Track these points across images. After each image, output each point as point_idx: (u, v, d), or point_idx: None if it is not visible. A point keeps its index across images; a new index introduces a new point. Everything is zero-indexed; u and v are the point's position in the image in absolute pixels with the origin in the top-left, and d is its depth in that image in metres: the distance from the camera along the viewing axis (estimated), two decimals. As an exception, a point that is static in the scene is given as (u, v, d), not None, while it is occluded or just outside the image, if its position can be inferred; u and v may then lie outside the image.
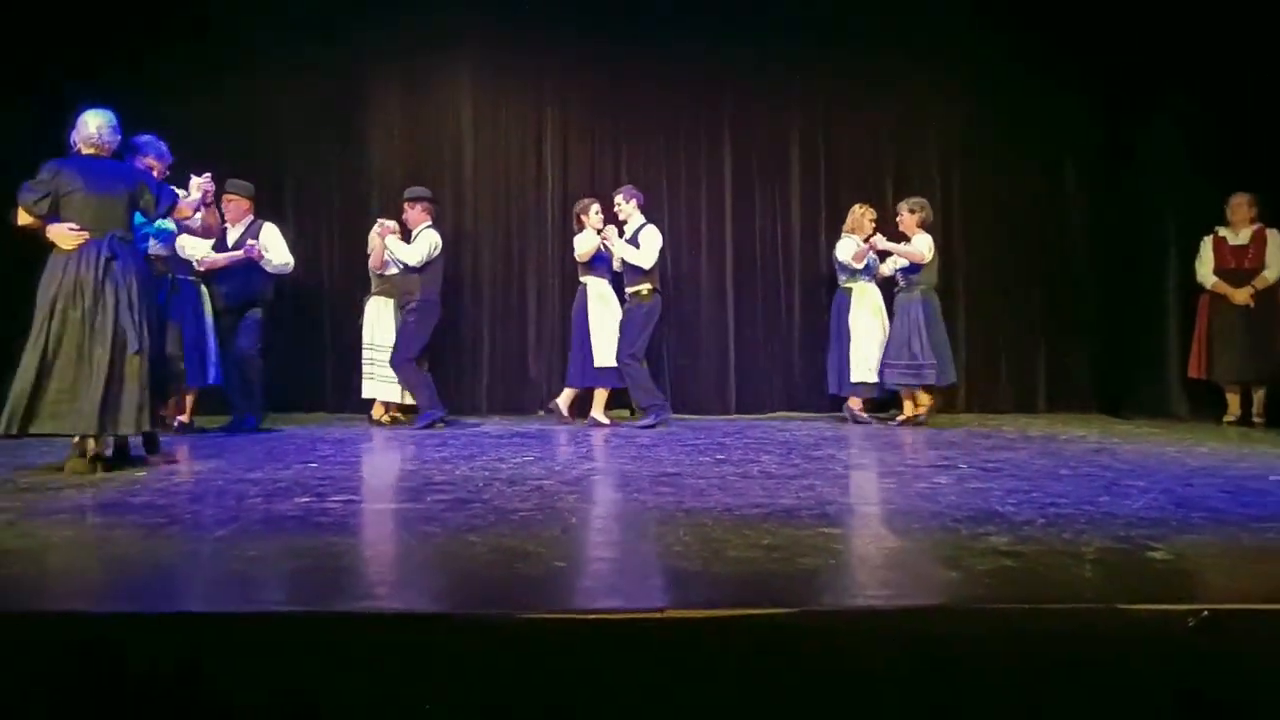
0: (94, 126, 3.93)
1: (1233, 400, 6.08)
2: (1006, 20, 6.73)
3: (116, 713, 1.80)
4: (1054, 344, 7.11)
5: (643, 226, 6.16)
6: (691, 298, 7.18)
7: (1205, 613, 1.83)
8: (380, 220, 6.10)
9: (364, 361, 6.27)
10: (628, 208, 6.20)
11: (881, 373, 6.10)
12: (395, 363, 6.01)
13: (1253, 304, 5.95)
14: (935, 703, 1.80)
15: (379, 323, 6.25)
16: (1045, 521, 2.83)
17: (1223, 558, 2.48)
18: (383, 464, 4.42)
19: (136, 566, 2.54)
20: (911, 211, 6.07)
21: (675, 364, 7.08)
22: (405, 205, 6.14)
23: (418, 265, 5.96)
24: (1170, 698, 1.81)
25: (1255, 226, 6.02)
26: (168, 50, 6.28)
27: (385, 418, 6.22)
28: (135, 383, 3.86)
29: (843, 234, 6.38)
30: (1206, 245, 6.15)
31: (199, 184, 4.40)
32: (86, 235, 3.82)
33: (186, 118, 5.76)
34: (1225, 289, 6.04)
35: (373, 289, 6.32)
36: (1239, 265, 6.04)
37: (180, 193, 4.40)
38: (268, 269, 5.70)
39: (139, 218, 4.19)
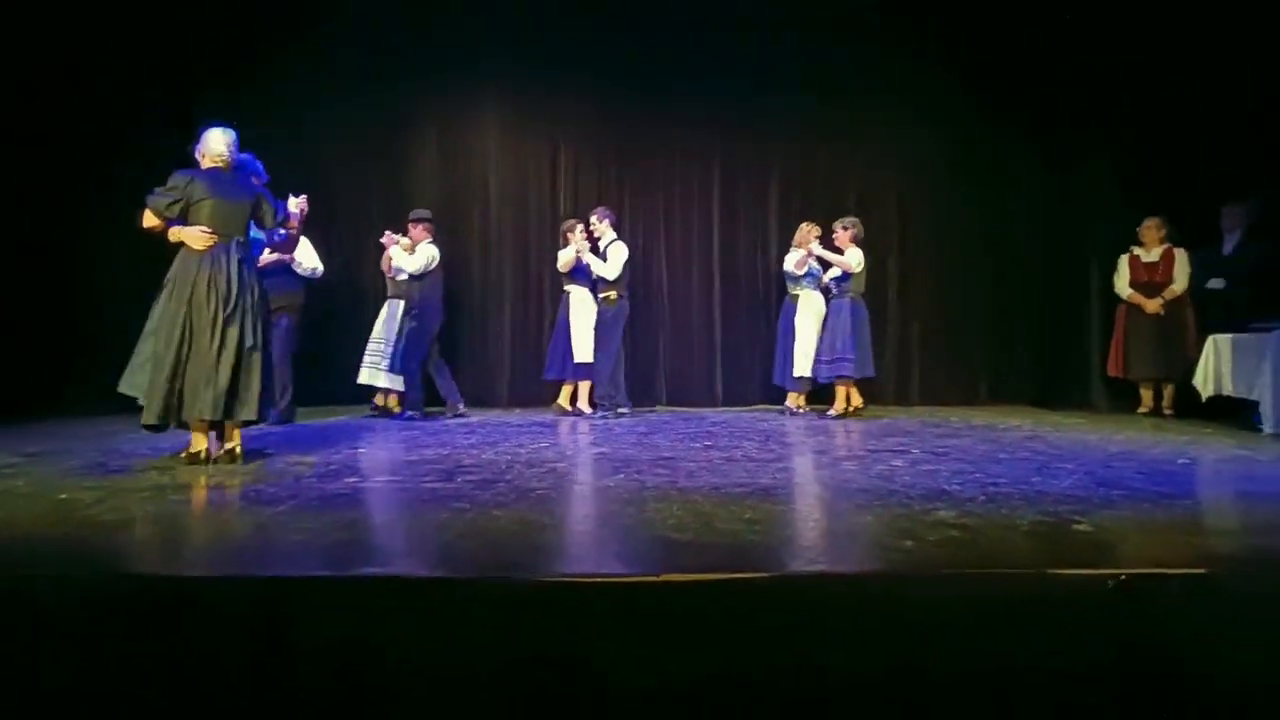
0: (222, 144, 3.85)
1: (1146, 395, 6.08)
2: (960, 66, 6.72)
3: (188, 664, 1.81)
4: (994, 345, 7.11)
5: (612, 242, 6.17)
6: (684, 304, 7.18)
7: (1123, 576, 1.84)
8: (386, 232, 6.11)
9: (367, 353, 6.21)
10: (601, 226, 6.22)
11: (816, 369, 6.11)
12: (404, 363, 6.00)
13: (1163, 313, 5.95)
14: (894, 654, 1.80)
15: (387, 320, 6.20)
16: (986, 499, 2.83)
17: (1138, 529, 2.48)
18: (418, 449, 4.41)
19: (210, 536, 2.54)
20: (845, 229, 6.11)
21: (668, 362, 7.11)
22: (409, 224, 6.14)
23: (417, 274, 5.97)
24: (1092, 648, 1.81)
25: (1164, 246, 6.03)
26: (248, 92, 6.23)
27: (387, 403, 6.17)
28: (256, 375, 3.73)
29: (791, 248, 6.36)
30: (1123, 262, 6.16)
31: (297, 203, 4.31)
32: (216, 238, 3.73)
33: (259, 146, 5.78)
34: (1139, 299, 6.05)
35: (388, 292, 6.30)
36: (1151, 279, 6.04)
37: None
38: (299, 272, 5.66)
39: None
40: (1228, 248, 5.86)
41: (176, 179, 3.75)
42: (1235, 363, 5.09)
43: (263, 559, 2.27)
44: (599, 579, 1.92)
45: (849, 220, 6.18)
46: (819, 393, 6.37)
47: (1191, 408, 5.55)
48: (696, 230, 7.19)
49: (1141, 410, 6.02)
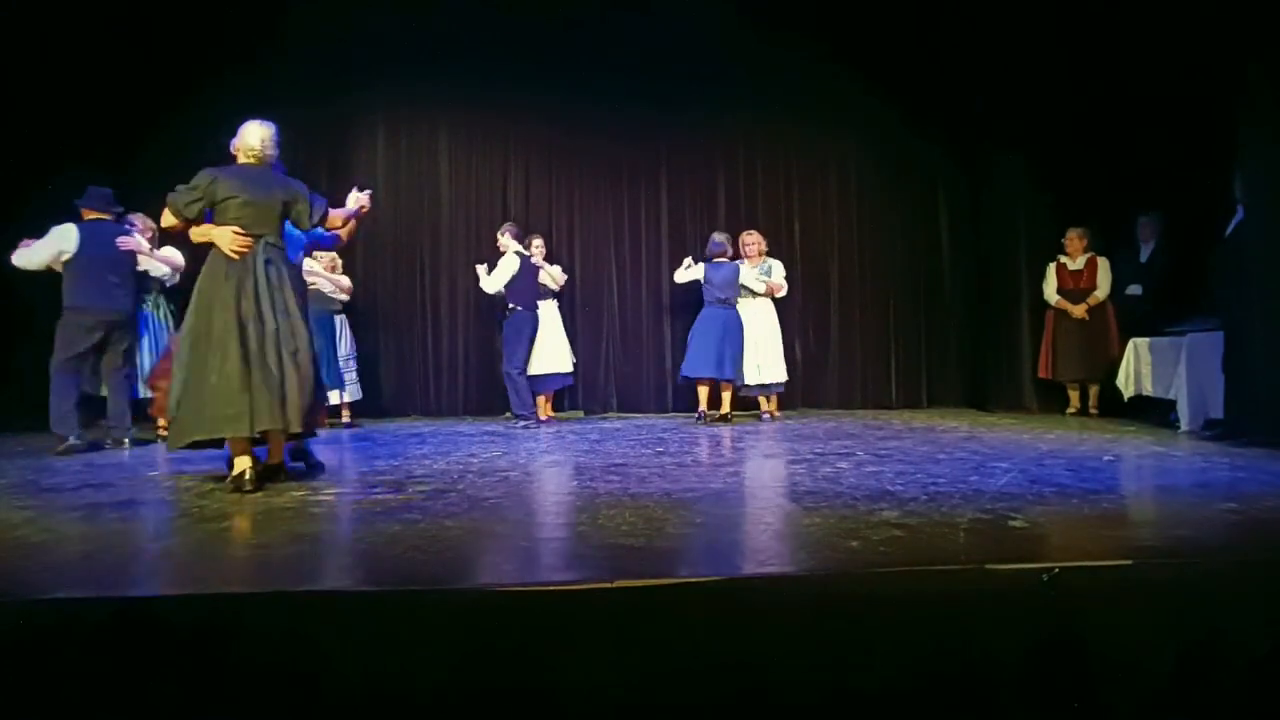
0: (256, 137, 3.47)
1: (1073, 396, 6.30)
2: (892, 85, 6.92)
3: (127, 687, 1.72)
4: (932, 350, 7.31)
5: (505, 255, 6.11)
6: (634, 313, 7.20)
7: (1055, 570, 1.88)
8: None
9: (345, 370, 6.06)
10: (503, 240, 6.06)
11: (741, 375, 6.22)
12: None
13: (1087, 318, 6.18)
14: (842, 650, 1.82)
15: (342, 335, 6.08)
16: (927, 498, 2.87)
17: (1067, 524, 2.54)
18: (370, 460, 4.30)
19: (149, 554, 2.43)
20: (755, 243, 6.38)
21: (619, 370, 7.12)
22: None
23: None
24: (1026, 637, 1.86)
25: (1088, 255, 6.27)
26: (193, 103, 5.99)
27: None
28: (298, 383, 3.31)
29: (750, 258, 6.43)
30: (1050, 270, 6.39)
31: (358, 199, 3.84)
32: (251, 240, 3.35)
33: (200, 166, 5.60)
34: (1066, 305, 6.27)
35: (333, 307, 6.01)
36: (1076, 286, 6.27)
37: None
38: (156, 275, 5.23)
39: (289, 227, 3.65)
40: (1144, 256, 6.13)
41: (200, 176, 3.36)
42: (1153, 364, 5.31)
43: (206, 575, 2.18)
44: (551, 587, 1.90)
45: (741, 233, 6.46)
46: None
47: (1115, 407, 5.77)
48: (645, 240, 7.22)
49: (1070, 410, 6.22)
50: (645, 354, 7.16)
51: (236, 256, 3.34)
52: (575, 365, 6.38)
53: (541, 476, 3.67)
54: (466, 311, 7.02)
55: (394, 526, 2.64)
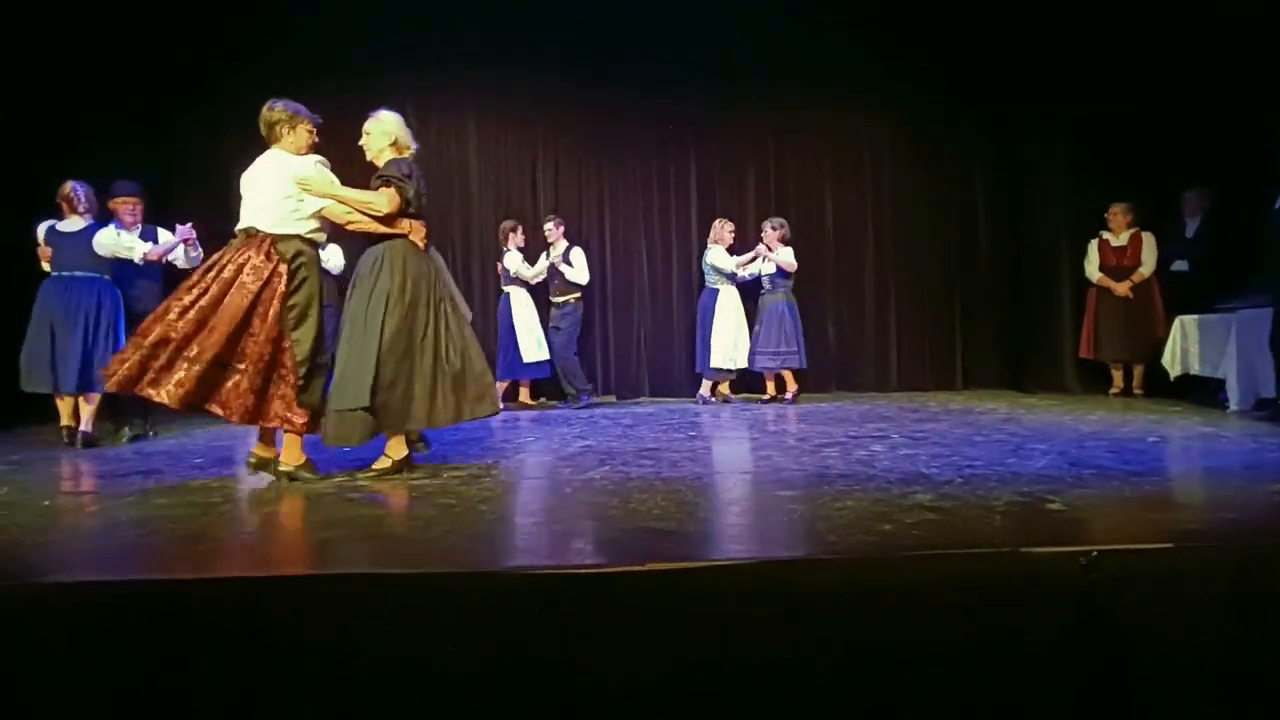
0: (407, 131, 3.53)
1: (1116, 376, 6.16)
2: (922, 62, 6.79)
3: (175, 665, 1.79)
4: (969, 331, 7.18)
5: (571, 248, 6.36)
6: (665, 299, 7.18)
7: (1094, 553, 1.86)
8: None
9: None
10: (557, 234, 6.39)
11: (752, 359, 6.28)
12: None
13: (1131, 295, 6.02)
14: (874, 635, 1.82)
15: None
16: (963, 481, 2.85)
17: (1108, 507, 2.50)
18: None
19: (194, 539, 2.51)
20: (774, 229, 6.28)
21: (651, 355, 7.13)
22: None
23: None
24: (1062, 623, 1.84)
25: (1132, 230, 6.10)
26: (222, 91, 6.11)
27: None
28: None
29: (709, 244, 6.48)
30: (1093, 247, 6.23)
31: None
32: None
33: (229, 151, 5.67)
34: (1109, 283, 6.12)
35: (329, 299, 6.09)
36: (1119, 263, 6.11)
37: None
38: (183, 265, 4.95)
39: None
40: (1190, 231, 5.94)
41: (405, 167, 3.38)
42: (1201, 343, 5.16)
43: (248, 560, 2.25)
44: (583, 570, 1.92)
45: (778, 221, 6.36)
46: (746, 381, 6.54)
47: (1161, 387, 5.63)
48: (675, 225, 7.19)
49: (1113, 390, 6.09)
50: (677, 337, 7.15)
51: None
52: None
53: (573, 461, 3.71)
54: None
55: (429, 511, 2.70)
